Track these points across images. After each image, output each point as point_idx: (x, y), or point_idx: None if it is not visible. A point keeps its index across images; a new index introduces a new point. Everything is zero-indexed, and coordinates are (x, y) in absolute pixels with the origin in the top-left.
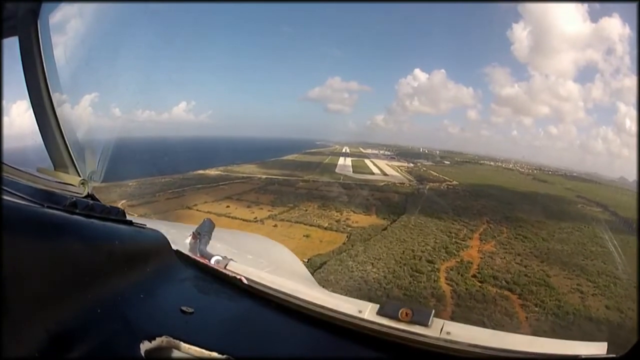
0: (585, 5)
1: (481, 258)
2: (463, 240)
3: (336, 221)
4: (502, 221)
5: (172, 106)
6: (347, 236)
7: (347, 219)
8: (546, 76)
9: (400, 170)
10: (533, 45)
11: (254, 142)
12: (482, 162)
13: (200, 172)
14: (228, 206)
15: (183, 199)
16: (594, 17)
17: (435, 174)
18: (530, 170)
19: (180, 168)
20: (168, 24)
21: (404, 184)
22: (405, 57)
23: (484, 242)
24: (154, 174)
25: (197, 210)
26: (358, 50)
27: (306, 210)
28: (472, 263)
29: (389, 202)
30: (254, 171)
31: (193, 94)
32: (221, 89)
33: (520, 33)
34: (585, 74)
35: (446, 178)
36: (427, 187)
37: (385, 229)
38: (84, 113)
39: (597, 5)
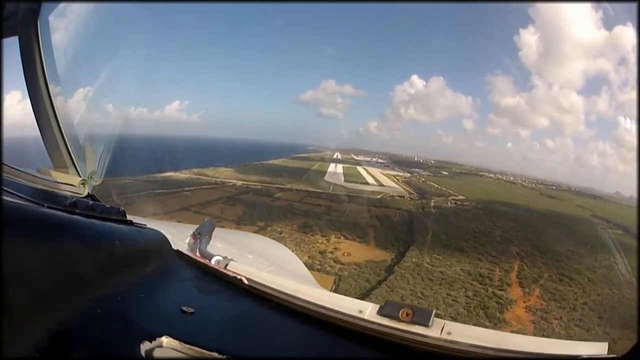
0: (600, 11)
1: (534, 322)
2: (501, 289)
3: (320, 252)
4: (535, 253)
5: (164, 104)
6: (334, 281)
7: (335, 248)
8: (551, 86)
9: (397, 180)
10: (543, 51)
11: (242, 144)
12: (481, 173)
13: (170, 174)
14: (179, 221)
15: (129, 209)
16: (610, 24)
17: (435, 185)
18: (534, 185)
19: (151, 168)
20: (166, 24)
21: (403, 197)
22: (403, 61)
23: (526, 289)
24: (117, 175)
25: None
26: (354, 51)
27: (281, 232)
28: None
29: (389, 222)
30: (230, 176)
31: (186, 93)
32: (214, 88)
33: (529, 38)
34: (593, 85)
35: (450, 191)
36: (432, 202)
37: (391, 270)
38: (84, 113)
39: (611, 11)
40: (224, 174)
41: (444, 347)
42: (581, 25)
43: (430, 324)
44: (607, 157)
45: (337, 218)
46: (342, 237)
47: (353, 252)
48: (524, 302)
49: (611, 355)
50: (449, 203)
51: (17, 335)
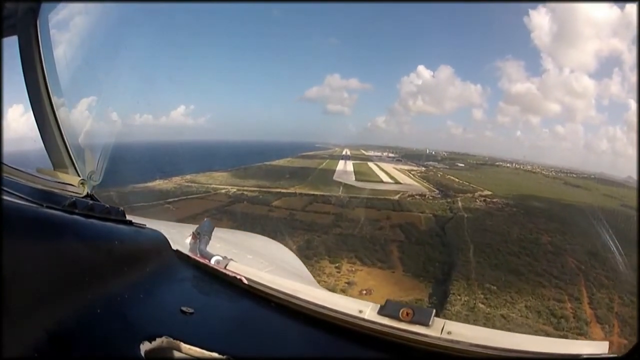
0: None
1: None
2: (582, 333)
3: (328, 291)
4: (594, 265)
5: (169, 109)
6: None
7: (348, 282)
8: (562, 70)
9: (413, 175)
10: (556, 31)
11: (247, 146)
12: (497, 163)
13: (157, 182)
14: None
15: None
16: (622, 2)
17: (456, 179)
18: (554, 173)
19: (142, 176)
20: (165, 26)
21: (425, 196)
22: (409, 50)
23: (605, 326)
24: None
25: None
26: (357, 41)
27: None
28: None
29: (416, 233)
30: (225, 181)
31: (190, 97)
32: (218, 92)
33: (541, 19)
34: (606, 67)
35: (473, 185)
36: (459, 201)
37: None
38: (84, 113)
39: None
40: (219, 180)
41: (444, 347)
42: (594, 2)
43: (430, 323)
44: (617, 141)
45: (350, 231)
46: (358, 262)
47: (374, 287)
48: (610, 349)
49: (612, 355)
50: (477, 201)
51: (16, 335)
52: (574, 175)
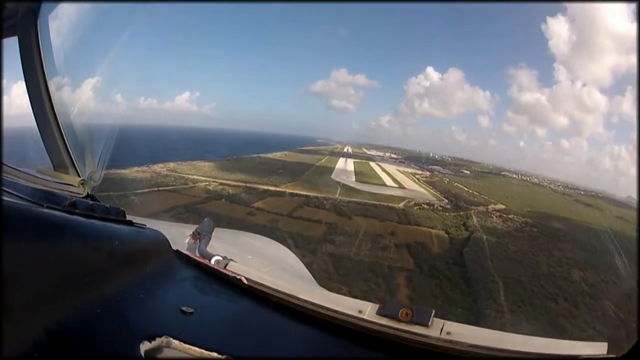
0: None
1: None
2: None
3: None
4: (631, 309)
5: (169, 100)
6: None
7: None
8: (575, 83)
9: (418, 180)
10: (575, 41)
11: (248, 136)
12: (503, 173)
13: (134, 169)
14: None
15: None
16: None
17: (464, 188)
18: (561, 188)
19: (121, 162)
20: (168, 19)
21: (433, 205)
22: (420, 50)
23: None
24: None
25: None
26: (367, 36)
27: None
28: None
29: (428, 259)
30: (209, 173)
31: (196, 85)
32: (223, 80)
33: (560, 27)
34: (621, 84)
35: (484, 197)
36: (474, 216)
37: None
38: (84, 113)
39: None
40: (203, 170)
41: (443, 347)
42: (618, 15)
43: (430, 323)
44: (621, 160)
45: (345, 251)
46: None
47: None
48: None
49: (611, 355)
50: (493, 217)
51: (17, 335)
52: (582, 192)
